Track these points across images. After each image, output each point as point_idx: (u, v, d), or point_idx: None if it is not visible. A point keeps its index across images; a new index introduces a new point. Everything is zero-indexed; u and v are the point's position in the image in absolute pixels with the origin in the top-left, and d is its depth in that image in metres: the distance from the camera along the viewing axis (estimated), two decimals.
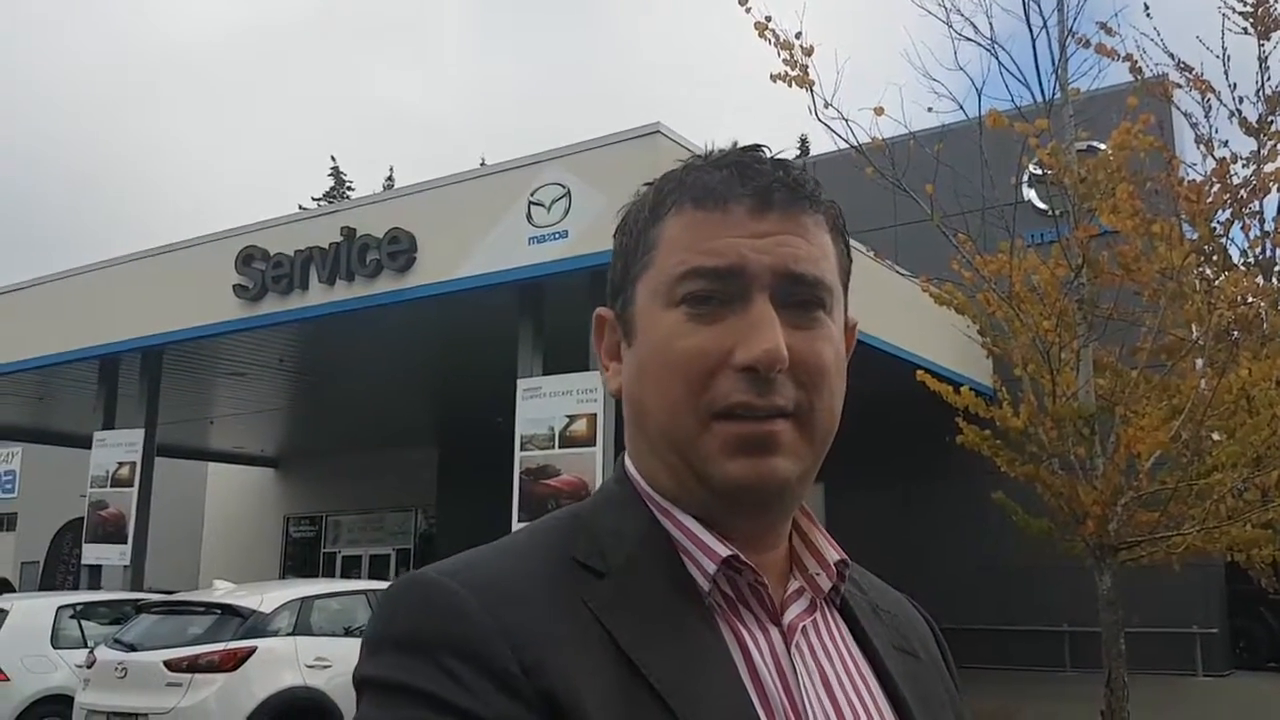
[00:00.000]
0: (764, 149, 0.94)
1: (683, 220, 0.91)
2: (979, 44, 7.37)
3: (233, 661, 7.90)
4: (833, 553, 0.96)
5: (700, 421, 0.87)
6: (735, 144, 0.96)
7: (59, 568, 22.99)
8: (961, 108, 7.49)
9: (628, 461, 0.97)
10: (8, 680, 9.22)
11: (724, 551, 0.87)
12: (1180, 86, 8.06)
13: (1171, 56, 7.96)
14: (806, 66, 6.92)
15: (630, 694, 0.79)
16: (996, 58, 7.33)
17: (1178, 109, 8.24)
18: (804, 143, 40.24)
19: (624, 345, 0.95)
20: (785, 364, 0.85)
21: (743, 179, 0.90)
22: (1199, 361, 7.56)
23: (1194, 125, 7.89)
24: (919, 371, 8.19)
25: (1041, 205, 10.40)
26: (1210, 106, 7.86)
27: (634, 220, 0.96)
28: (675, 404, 0.88)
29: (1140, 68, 7.73)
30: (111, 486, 15.25)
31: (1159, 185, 7.57)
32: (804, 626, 0.91)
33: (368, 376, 17.41)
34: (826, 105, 6.99)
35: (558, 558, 0.86)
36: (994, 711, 8.78)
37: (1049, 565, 11.39)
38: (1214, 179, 7.38)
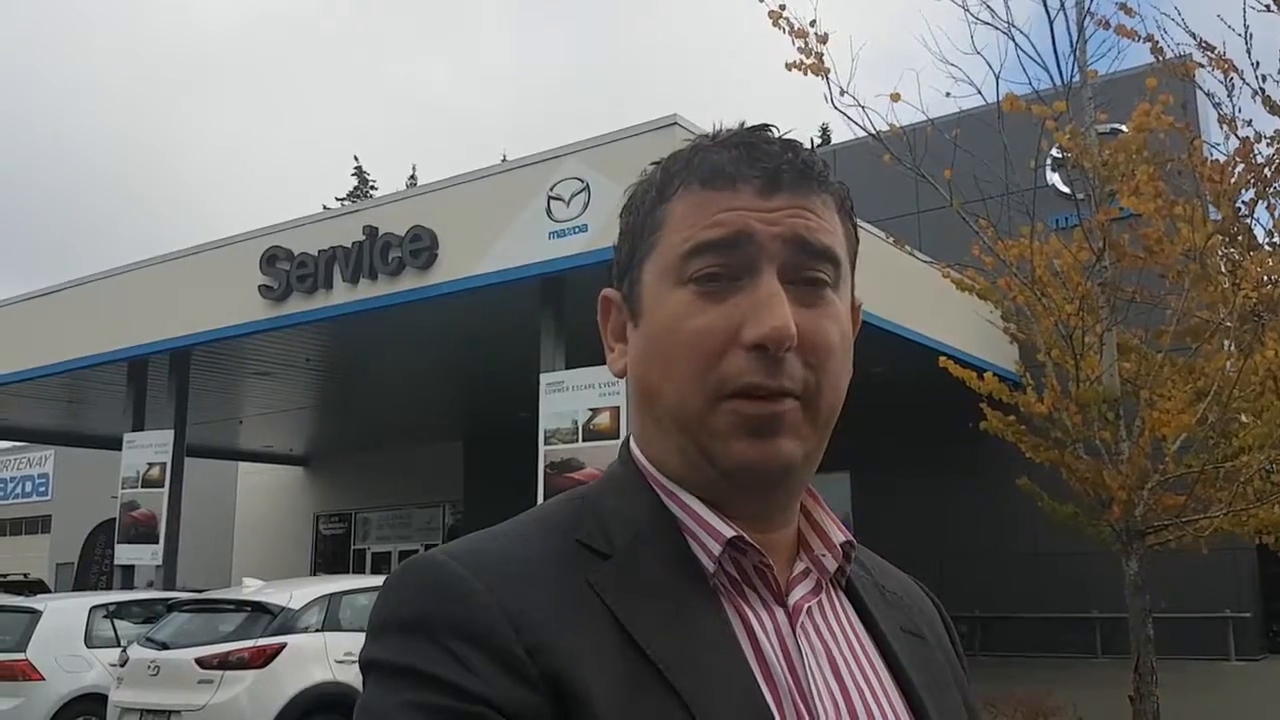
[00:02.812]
0: (772, 129, 0.94)
1: (690, 200, 0.90)
2: (996, 27, 7.32)
3: (263, 658, 7.94)
4: (838, 534, 0.95)
5: (709, 401, 0.87)
6: (743, 124, 0.95)
7: (92, 568, 23.25)
8: (980, 92, 7.44)
9: (633, 444, 0.97)
10: (43, 680, 9.31)
11: (729, 532, 0.87)
12: (1202, 66, 7.96)
13: (1193, 36, 7.86)
14: (821, 54, 6.88)
15: (635, 675, 0.79)
16: (1014, 40, 7.28)
17: (1200, 89, 8.15)
18: (825, 131, 40.04)
19: (630, 326, 0.95)
20: (794, 341, 0.85)
21: (751, 160, 0.89)
22: (1228, 344, 7.49)
23: (1217, 105, 7.79)
24: (941, 358, 8.16)
25: (1064, 189, 10.33)
26: (1233, 86, 7.75)
27: (641, 200, 0.95)
28: (684, 384, 0.87)
29: (1161, 48, 7.64)
30: (142, 487, 15.40)
31: (1181, 166, 7.50)
32: (809, 608, 0.91)
33: (393, 374, 17.48)
34: (842, 93, 6.97)
35: (562, 540, 0.86)
36: (1023, 698, 8.73)
37: (1078, 551, 11.35)
38: (1237, 159, 7.29)
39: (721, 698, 0.80)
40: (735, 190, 0.89)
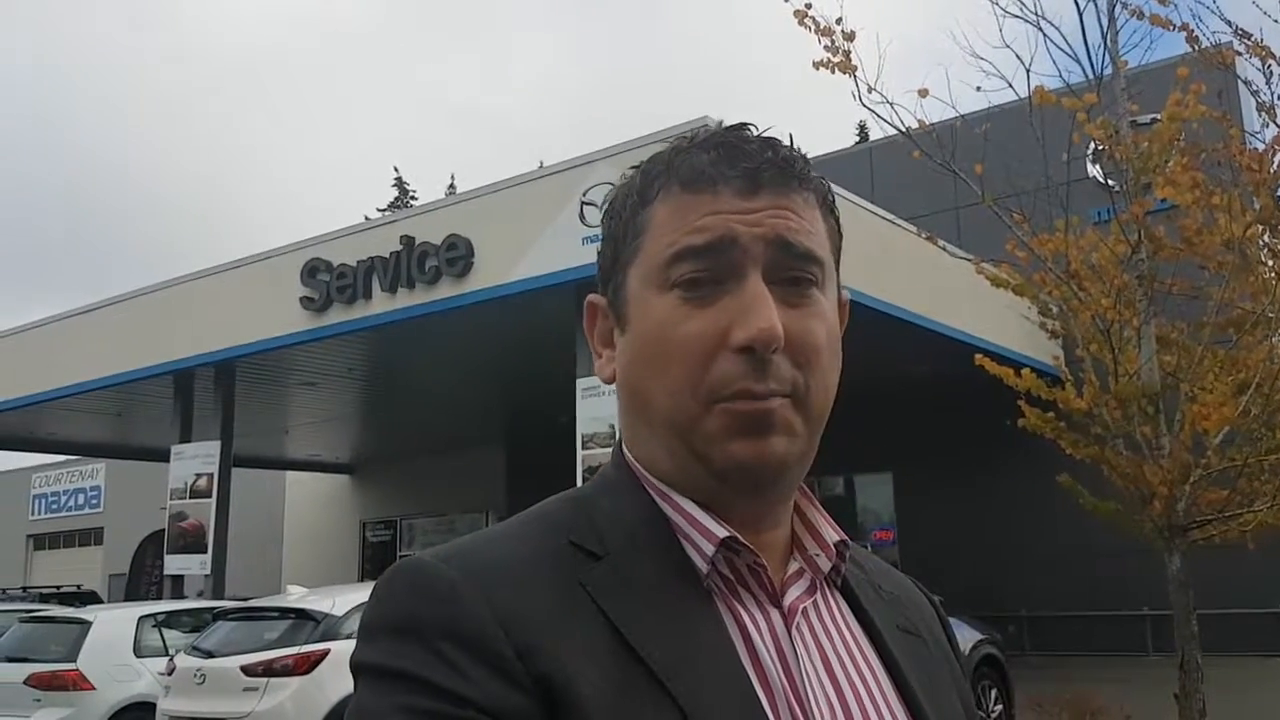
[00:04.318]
0: (751, 127, 0.93)
1: (671, 203, 0.90)
2: (1025, 20, 7.25)
3: (307, 665, 7.95)
4: (832, 533, 0.95)
5: (701, 405, 0.87)
6: (721, 124, 0.95)
7: (142, 579, 23.52)
8: (1011, 85, 7.36)
9: (624, 447, 0.97)
10: (94, 689, 9.42)
11: (722, 533, 0.87)
12: (1240, 54, 7.83)
13: (1229, 23, 7.74)
14: (849, 52, 6.86)
15: (627, 677, 0.79)
16: (1043, 33, 7.20)
17: (1239, 77, 8.02)
18: (862, 127, 39.80)
19: (617, 332, 0.95)
20: (781, 342, 0.85)
21: (731, 160, 0.89)
22: (1270, 335, 7.36)
23: (1254, 93, 7.67)
24: (978, 355, 8.08)
25: (1104, 181, 10.19)
26: (1271, 73, 7.63)
27: (622, 205, 0.95)
28: (674, 389, 0.88)
29: (1197, 37, 7.54)
30: (190, 498, 15.57)
31: (1220, 156, 7.38)
32: (805, 608, 0.91)
33: (434, 381, 17.60)
34: (870, 90, 6.93)
35: (554, 541, 0.86)
36: (1070, 698, 8.61)
37: (1126, 548, 11.16)
38: (1277, 147, 7.16)
39: (716, 700, 0.80)
40: (716, 192, 0.89)
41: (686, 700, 0.79)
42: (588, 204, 10.92)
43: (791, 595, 0.91)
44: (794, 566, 0.93)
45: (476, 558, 0.84)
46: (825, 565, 0.94)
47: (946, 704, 0.97)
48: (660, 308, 0.89)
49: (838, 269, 0.96)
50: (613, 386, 0.98)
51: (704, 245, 0.87)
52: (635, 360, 0.92)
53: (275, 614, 8.78)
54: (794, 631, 0.89)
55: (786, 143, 0.93)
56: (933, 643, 1.03)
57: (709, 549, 0.87)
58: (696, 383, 0.87)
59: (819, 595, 0.94)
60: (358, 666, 0.82)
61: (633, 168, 0.97)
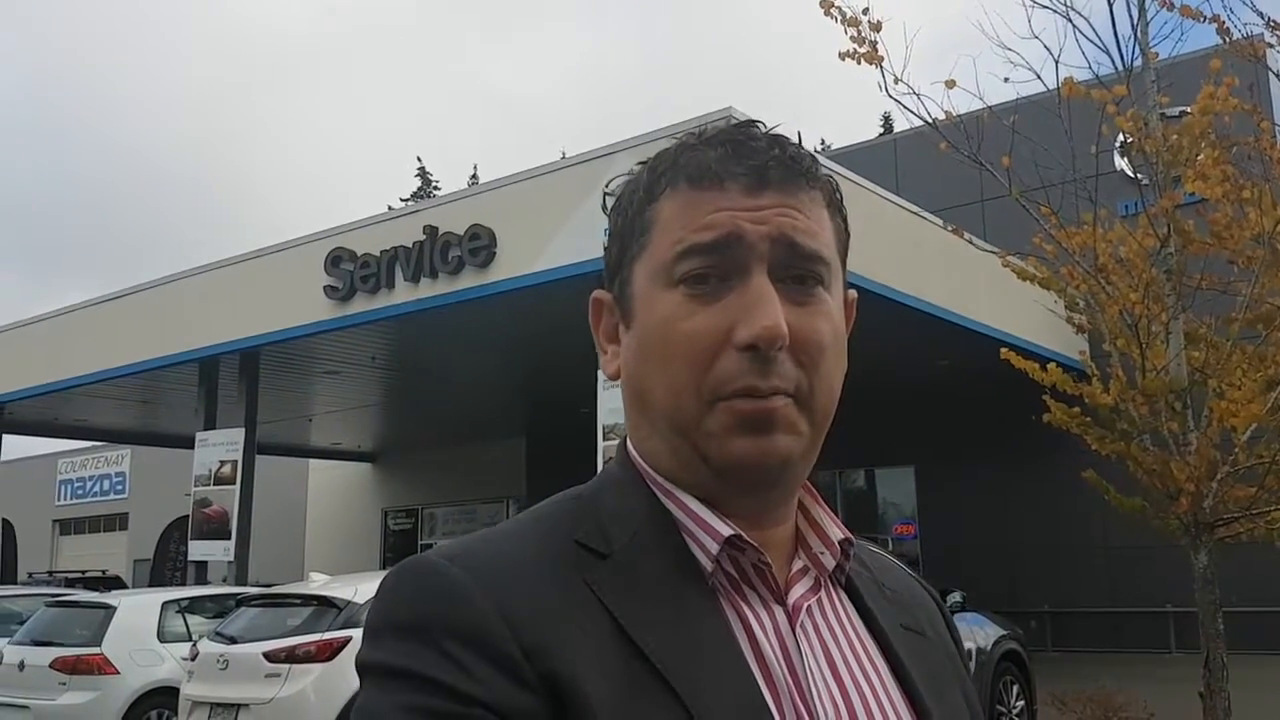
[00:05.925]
0: (759, 125, 0.94)
1: (678, 200, 0.90)
2: (1054, 10, 7.18)
3: (329, 651, 7.97)
4: (836, 531, 0.95)
5: (703, 403, 0.87)
6: (730, 120, 0.95)
7: (166, 564, 23.77)
8: (1039, 76, 7.29)
9: (629, 444, 0.97)
10: (118, 674, 9.54)
11: (726, 530, 0.87)
12: (1272, 46, 7.74)
13: (1261, 15, 7.65)
14: (875, 43, 6.82)
15: (633, 675, 0.78)
16: (1072, 24, 7.12)
17: (1270, 70, 7.92)
18: (887, 119, 39.66)
19: (622, 328, 0.95)
20: (786, 341, 0.85)
21: (738, 157, 0.90)
22: None
23: None
24: (1003, 350, 8.04)
25: (1132, 174, 10.10)
26: None
27: (629, 201, 0.96)
28: (678, 386, 0.88)
29: (1228, 28, 7.45)
30: (214, 485, 15.72)
31: (1250, 150, 7.30)
32: (809, 606, 0.91)
33: (456, 371, 17.67)
34: (897, 81, 6.88)
35: (559, 540, 0.86)
36: (1093, 694, 8.57)
37: (1150, 545, 11.11)
38: None
39: (720, 698, 0.80)
40: (723, 189, 0.89)
41: (691, 698, 0.78)
42: (609, 195, 10.88)
43: (796, 593, 0.91)
44: (798, 564, 0.93)
45: (482, 557, 0.84)
46: (830, 563, 0.94)
47: (950, 702, 0.97)
48: (665, 304, 0.89)
49: (844, 268, 0.96)
50: None
51: (710, 242, 0.87)
52: (639, 356, 0.92)
53: (298, 601, 8.80)
54: (798, 629, 0.88)
55: (794, 140, 0.93)
56: (936, 640, 1.03)
57: (713, 547, 0.87)
58: (699, 380, 0.87)
59: (823, 593, 0.94)
60: (363, 666, 0.82)
61: (639, 163, 0.98)
